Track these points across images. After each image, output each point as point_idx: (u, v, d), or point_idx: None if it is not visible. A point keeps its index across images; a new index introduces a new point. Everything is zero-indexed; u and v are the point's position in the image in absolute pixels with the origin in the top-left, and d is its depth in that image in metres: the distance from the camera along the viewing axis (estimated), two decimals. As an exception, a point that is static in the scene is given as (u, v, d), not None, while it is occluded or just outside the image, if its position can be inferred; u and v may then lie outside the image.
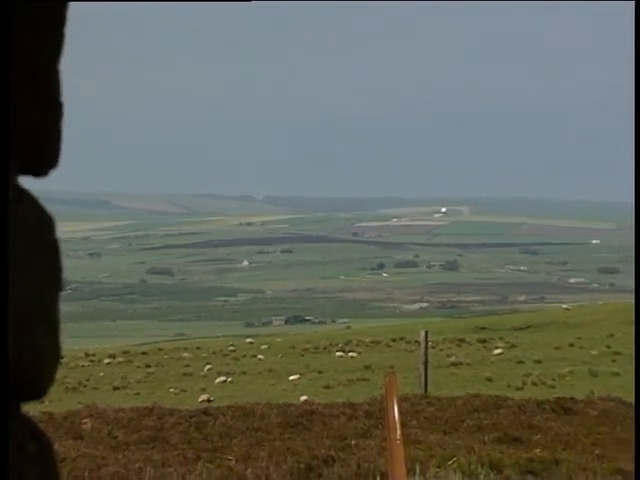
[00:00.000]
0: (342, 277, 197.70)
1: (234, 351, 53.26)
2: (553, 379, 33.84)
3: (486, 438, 17.44)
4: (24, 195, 3.04)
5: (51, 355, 3.10)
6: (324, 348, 52.62)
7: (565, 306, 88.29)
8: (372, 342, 54.44)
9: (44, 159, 3.09)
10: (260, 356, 49.57)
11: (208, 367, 44.34)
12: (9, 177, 2.70)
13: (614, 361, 40.60)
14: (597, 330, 53.68)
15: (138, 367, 46.04)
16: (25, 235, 2.96)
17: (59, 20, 3.08)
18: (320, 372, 40.20)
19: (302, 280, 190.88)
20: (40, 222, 3.07)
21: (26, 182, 3.04)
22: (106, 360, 49.88)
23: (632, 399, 22.89)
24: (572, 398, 22.97)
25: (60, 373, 3.46)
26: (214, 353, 51.95)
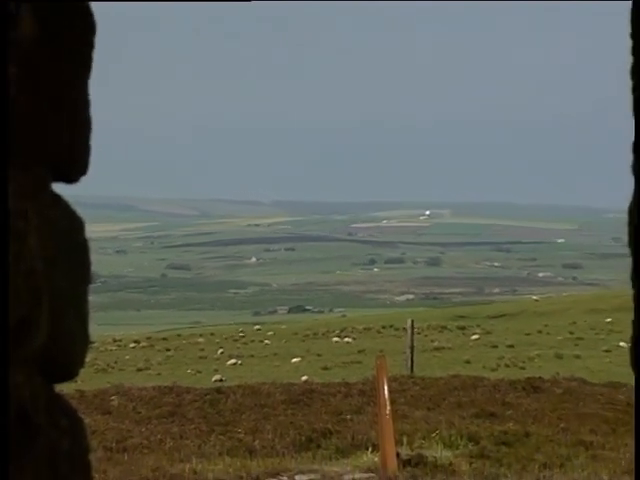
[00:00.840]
0: (338, 272, 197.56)
1: (243, 337, 53.24)
2: (523, 361, 33.84)
3: (465, 413, 17.43)
4: (58, 199, 3.04)
5: (81, 341, 3.10)
6: (322, 334, 52.60)
7: (534, 297, 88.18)
8: (365, 329, 54.42)
9: (75, 168, 3.08)
10: (266, 341, 49.53)
11: (220, 351, 44.34)
12: (9, 178, 2.70)
13: (577, 345, 40.65)
14: (562, 318, 53.69)
15: (159, 351, 46.02)
16: (58, 236, 2.95)
17: (88, 45, 3.08)
18: (319, 355, 40.21)
19: (303, 274, 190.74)
20: (72, 224, 3.06)
21: (59, 188, 3.04)
22: (131, 345, 49.83)
23: (592, 379, 22.91)
24: (540, 378, 22.98)
25: (90, 356, 3.47)
26: (226, 339, 51.92)
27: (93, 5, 3.10)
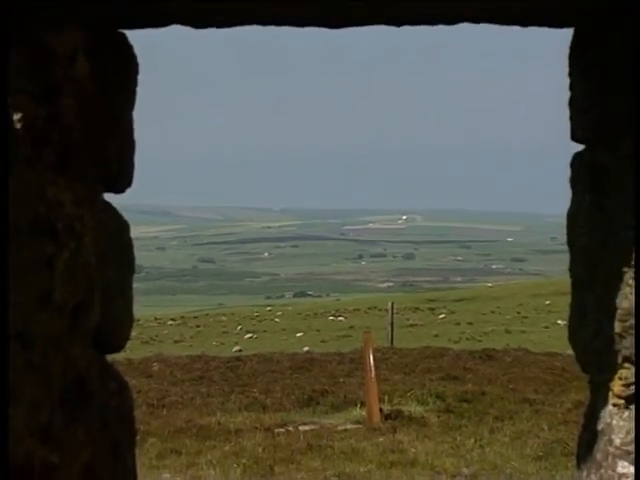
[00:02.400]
0: (333, 264, 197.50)
1: (258, 316, 53.26)
2: (480, 335, 33.81)
3: (434, 377, 17.39)
4: (108, 206, 3.01)
5: (127, 320, 3.07)
6: (321, 314, 52.62)
7: (489, 284, 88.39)
8: (354, 309, 54.45)
9: (122, 181, 3.05)
10: (276, 319, 49.59)
11: (239, 327, 44.30)
12: (67, 188, 2.68)
13: (522, 322, 40.70)
14: (510, 301, 53.71)
15: (191, 327, 46.02)
16: (108, 236, 2.92)
17: (132, 82, 3.05)
18: (318, 330, 40.20)
19: (305, 266, 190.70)
20: (119, 226, 3.03)
21: (109, 197, 3.01)
22: (169, 322, 49.82)
23: (535, 349, 22.87)
24: (493, 349, 22.95)
25: (136, 331, 3.46)
26: (244, 317, 51.89)
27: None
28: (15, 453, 2.39)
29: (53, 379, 2.55)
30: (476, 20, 2.99)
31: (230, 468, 10.67)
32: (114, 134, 2.96)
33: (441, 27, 3.03)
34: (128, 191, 3.09)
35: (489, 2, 2.88)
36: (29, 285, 2.43)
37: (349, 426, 13.36)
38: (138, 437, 3.30)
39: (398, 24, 3.01)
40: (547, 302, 48.27)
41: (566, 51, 3.17)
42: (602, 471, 2.98)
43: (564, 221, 3.25)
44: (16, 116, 2.37)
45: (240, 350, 29.02)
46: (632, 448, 2.90)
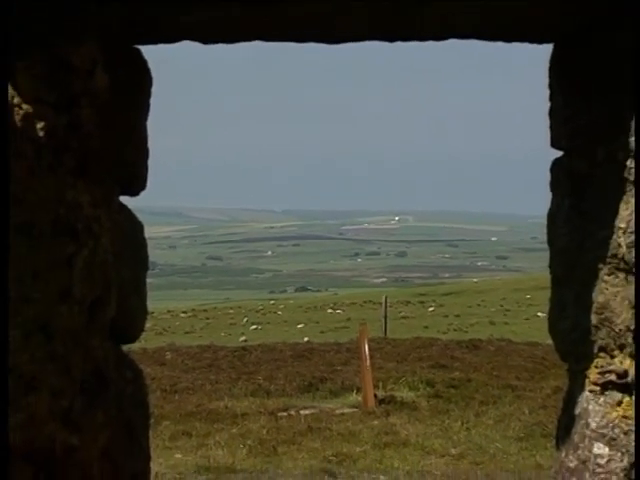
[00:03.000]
0: (332, 262, 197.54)
1: (262, 309, 53.25)
2: (466, 327, 33.80)
3: (424, 365, 17.37)
4: (123, 208, 3.00)
5: (141, 314, 3.06)
6: (320, 307, 52.62)
7: (474, 280, 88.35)
8: (351, 303, 54.45)
9: (136, 184, 3.05)
10: (279, 312, 49.58)
11: (245, 319, 44.26)
12: (86, 190, 2.67)
13: (505, 315, 40.70)
14: (494, 295, 53.70)
15: (200, 319, 45.99)
16: (123, 235, 2.91)
17: (146, 94, 3.04)
18: (317, 322, 40.16)
19: (305, 263, 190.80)
20: (134, 226, 3.02)
21: (125, 200, 3.00)
22: (180, 315, 49.80)
23: (517, 339, 22.87)
24: (479, 339, 22.93)
25: (150, 323, 3.45)
26: (249, 310, 51.87)
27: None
28: (38, 436, 2.38)
29: (73, 368, 2.54)
30: (463, 36, 2.98)
31: (237, 449, 10.67)
32: (129, 141, 2.95)
33: (436, 43, 3.03)
34: (142, 194, 3.08)
35: (474, 19, 2.87)
36: (50, 282, 2.42)
37: (346, 410, 13.36)
38: (152, 420, 3.28)
39: (391, 40, 3.01)
40: (528, 296, 48.28)
41: (547, 65, 3.17)
42: (579, 452, 2.97)
43: (544, 222, 3.24)
44: (39, 125, 2.36)
45: (246, 340, 29.01)
46: (607, 431, 2.90)
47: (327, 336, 29.21)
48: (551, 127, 3.17)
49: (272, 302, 63.32)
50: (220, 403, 13.77)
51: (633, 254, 2.78)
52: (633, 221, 2.77)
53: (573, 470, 3.00)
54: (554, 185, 3.17)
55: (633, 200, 2.76)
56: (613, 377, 2.90)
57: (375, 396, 13.62)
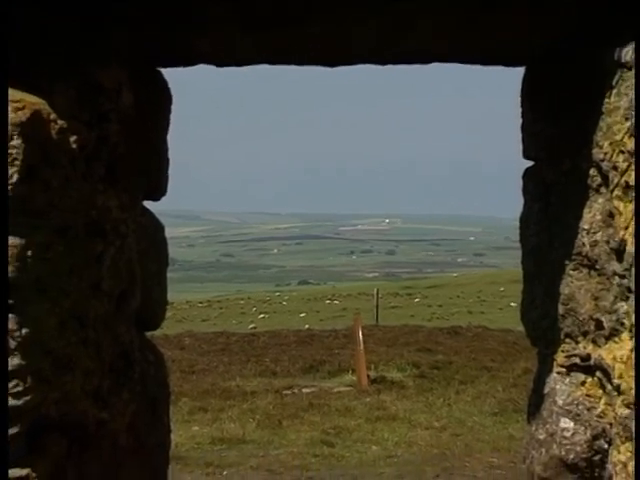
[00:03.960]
0: (330, 258, 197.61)
1: (269, 299, 53.24)
2: (448, 315, 33.77)
3: (411, 349, 17.35)
4: (146, 211, 2.99)
5: (162, 304, 3.05)
6: (319, 298, 52.60)
7: (455, 274, 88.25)
8: (347, 295, 54.43)
9: (158, 190, 3.03)
10: (284, 302, 49.57)
11: (254, 309, 44.24)
12: (114, 196, 2.66)
13: (482, 305, 40.67)
14: (472, 288, 53.68)
15: (215, 309, 45.95)
16: (146, 235, 2.90)
17: (166, 110, 3.03)
18: (317, 311, 40.14)
19: (307, 260, 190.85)
20: (156, 227, 3.01)
21: (148, 204, 2.98)
22: (197, 305, 49.80)
23: (492, 327, 22.86)
24: (459, 326, 22.90)
25: (170, 312, 3.44)
26: (258, 301, 51.86)
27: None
28: (72, 412, 2.37)
29: (103, 352, 2.53)
30: (446, 61, 2.97)
31: (247, 422, 10.65)
32: (152, 153, 2.94)
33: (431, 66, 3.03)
34: (163, 199, 3.07)
35: (457, 44, 2.86)
36: (83, 277, 2.41)
37: (342, 389, 13.33)
38: (172, 397, 3.27)
39: (383, 63, 3.00)
40: (502, 289, 48.25)
41: (519, 85, 3.16)
42: (547, 426, 2.96)
43: (517, 224, 3.23)
44: (72, 138, 2.34)
45: (255, 327, 28.97)
46: (572, 408, 2.88)
47: (326, 324, 29.20)
48: (523, 140, 3.16)
49: (277, 294, 63.33)
50: (232, 382, 13.75)
51: (595, 252, 2.77)
52: (595, 223, 2.76)
53: (542, 442, 2.99)
54: (525, 191, 3.17)
55: (595, 204, 2.75)
56: (577, 360, 2.89)
57: (368, 376, 13.60)
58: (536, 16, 2.62)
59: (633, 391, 2.58)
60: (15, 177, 2.17)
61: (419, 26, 2.67)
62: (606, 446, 2.82)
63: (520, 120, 3.16)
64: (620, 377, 2.66)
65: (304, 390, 13.15)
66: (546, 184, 3.03)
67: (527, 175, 3.16)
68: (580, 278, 2.83)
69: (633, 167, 2.55)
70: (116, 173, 2.59)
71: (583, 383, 2.88)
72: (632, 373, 2.59)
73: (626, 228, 2.59)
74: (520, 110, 3.15)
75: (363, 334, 14.41)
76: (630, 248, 2.57)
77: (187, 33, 2.68)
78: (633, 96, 2.54)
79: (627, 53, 2.56)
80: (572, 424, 2.87)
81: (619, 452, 2.69)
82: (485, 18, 2.61)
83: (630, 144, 2.56)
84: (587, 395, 2.87)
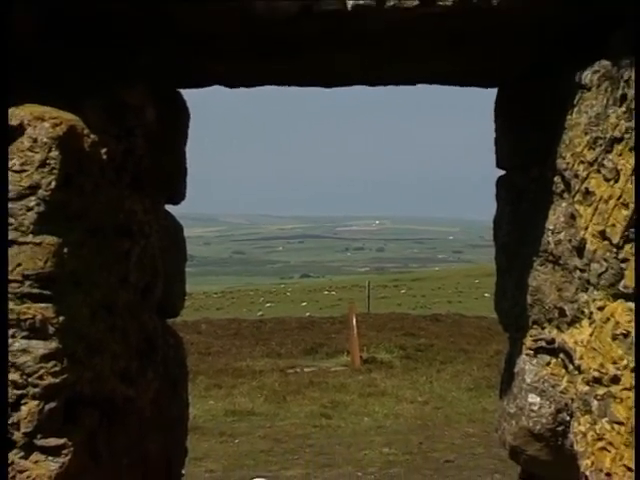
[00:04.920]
0: (328, 255, 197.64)
1: (275, 291, 53.25)
2: (430, 305, 33.78)
3: (397, 333, 17.34)
4: (168, 214, 2.97)
5: (181, 295, 3.03)
6: (319, 289, 52.62)
7: (436, 269, 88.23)
8: (342, 287, 54.42)
9: (177, 195, 3.02)
10: (287, 293, 49.57)
11: (262, 298, 44.25)
12: (140, 200, 2.65)
13: (459, 295, 40.68)
14: (451, 281, 53.69)
15: (228, 299, 45.94)
16: (168, 235, 2.88)
17: (184, 124, 3.02)
18: (317, 301, 40.16)
19: (308, 256, 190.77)
20: (176, 228, 3.00)
21: (169, 208, 2.97)
22: (213, 295, 49.78)
23: (468, 314, 22.86)
24: (439, 314, 22.91)
25: (189, 302, 3.43)
26: (265, 292, 51.84)
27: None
28: (102, 389, 2.35)
29: (129, 337, 2.52)
30: (429, 82, 2.96)
31: (255, 397, 10.65)
32: (172, 163, 2.93)
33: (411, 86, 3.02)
34: (183, 203, 3.06)
35: (439, 68, 2.85)
36: (112, 271, 2.40)
37: (338, 368, 13.34)
38: (190, 376, 3.26)
39: (374, 84, 2.99)
40: (477, 281, 48.27)
41: (492, 105, 3.15)
42: (517, 401, 2.95)
43: (491, 225, 3.22)
44: (102, 150, 2.33)
45: (262, 315, 28.97)
46: (538, 385, 2.87)
47: (324, 312, 29.21)
48: (496, 152, 3.15)
49: (282, 286, 63.36)
50: (242, 363, 13.75)
51: (559, 249, 2.76)
52: (559, 224, 2.75)
53: (512, 414, 2.98)
54: (498, 196, 3.16)
55: (559, 208, 2.74)
56: (543, 344, 2.88)
57: (360, 357, 13.60)
58: (505, 48, 2.62)
59: (592, 370, 2.57)
60: (53, 184, 2.15)
61: (399, 56, 2.68)
62: (568, 418, 2.81)
63: (494, 135, 3.15)
64: (580, 358, 2.65)
65: (305, 369, 13.16)
66: (516, 190, 3.02)
67: (500, 182, 3.16)
68: (546, 272, 2.82)
69: (592, 175, 2.55)
70: (141, 181, 2.57)
71: (548, 363, 2.87)
72: (591, 355, 2.58)
73: (586, 228, 2.58)
74: (494, 126, 3.15)
75: (356, 321, 14.41)
76: (589, 246, 2.56)
77: (204, 60, 2.69)
78: (592, 113, 2.54)
79: (586, 76, 2.55)
80: (538, 399, 2.86)
81: (579, 424, 2.68)
82: (457, 50, 2.61)
83: (589, 155, 2.55)
84: (552, 374, 2.86)
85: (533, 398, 2.87)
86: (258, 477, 6.95)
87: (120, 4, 2.29)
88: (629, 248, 2.38)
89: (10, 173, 2.12)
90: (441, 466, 7.32)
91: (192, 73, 2.82)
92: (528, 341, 2.93)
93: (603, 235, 2.49)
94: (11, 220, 2.11)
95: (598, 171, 2.51)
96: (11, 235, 2.12)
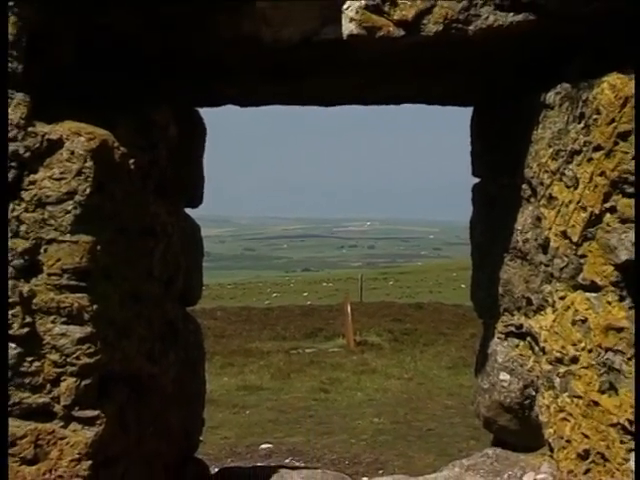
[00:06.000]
0: (326, 252, 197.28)
1: (280, 283, 53.14)
2: (414, 294, 33.74)
3: (386, 319, 17.35)
4: (187, 216, 2.96)
5: (199, 287, 3.02)
6: (318, 281, 52.54)
7: (419, 263, 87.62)
8: (339, 279, 54.30)
9: (196, 200, 3.01)
10: (291, 285, 49.47)
11: (269, 289, 44.17)
12: (162, 204, 2.64)
13: (439, 286, 40.62)
14: (431, 274, 53.63)
15: (240, 289, 45.79)
16: (187, 234, 2.87)
17: (202, 139, 3.01)
18: (316, 292, 40.06)
19: (309, 253, 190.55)
20: (193, 228, 2.98)
21: (188, 211, 2.96)
22: (227, 286, 49.70)
23: (446, 302, 22.83)
24: (422, 302, 22.91)
25: (206, 292, 3.41)
26: (272, 284, 51.76)
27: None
28: (130, 368, 2.34)
29: (154, 323, 2.50)
30: (413, 102, 2.95)
31: (263, 374, 10.64)
32: (191, 172, 2.91)
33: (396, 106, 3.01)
34: (200, 206, 3.05)
35: (422, 91, 2.84)
36: (139, 266, 2.39)
37: (335, 349, 13.33)
38: (207, 356, 3.25)
39: (366, 104, 2.98)
40: (454, 274, 48.15)
41: (468, 121, 3.15)
42: (490, 378, 2.94)
43: (467, 225, 3.21)
44: (131, 161, 2.32)
45: (269, 303, 28.92)
46: (508, 364, 2.86)
47: (323, 300, 29.16)
48: (472, 162, 3.14)
49: (286, 278, 63.26)
50: (252, 344, 13.73)
51: (526, 246, 2.75)
52: (526, 225, 2.74)
53: (486, 390, 2.97)
54: (474, 201, 3.15)
55: (526, 211, 2.74)
56: (513, 328, 2.87)
57: (354, 340, 13.60)
58: (480, 72, 2.62)
59: (554, 351, 2.56)
60: (88, 190, 2.14)
61: (388, 79, 2.67)
62: (534, 393, 2.80)
63: (470, 147, 3.14)
64: (545, 341, 2.64)
65: (306, 350, 13.14)
66: (489, 196, 3.01)
67: (475, 189, 3.15)
68: (515, 267, 2.82)
69: (555, 183, 2.54)
70: (164, 187, 2.56)
71: (517, 346, 2.87)
72: (554, 338, 2.58)
73: (549, 229, 2.57)
74: (470, 140, 3.14)
75: (350, 308, 14.41)
76: (552, 244, 2.55)
77: (218, 83, 2.69)
78: (555, 129, 2.53)
79: (549, 97, 2.55)
80: (508, 376, 2.85)
81: (543, 397, 2.68)
82: (439, 74, 2.60)
83: (552, 165, 2.54)
84: (520, 355, 2.85)
85: (504, 376, 2.86)
86: (266, 443, 6.94)
87: (148, 35, 2.28)
88: (587, 246, 2.37)
89: (50, 181, 2.12)
90: (424, 434, 7.31)
91: (208, 94, 2.81)
92: (499, 326, 2.92)
93: (564, 235, 2.48)
94: (51, 221, 2.11)
95: (560, 179, 2.50)
96: (51, 234, 2.11)
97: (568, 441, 2.51)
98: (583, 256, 2.39)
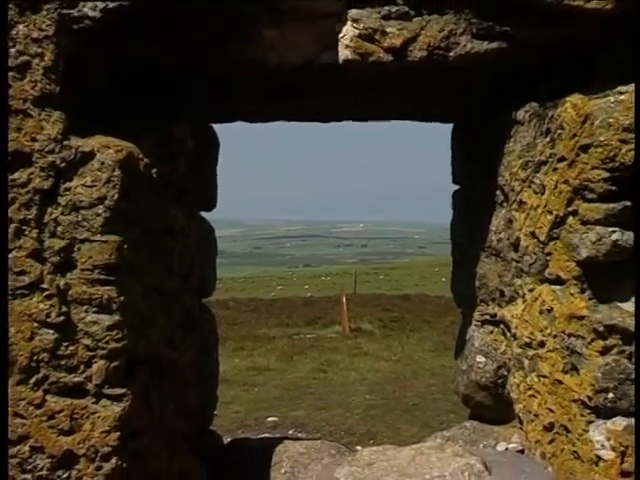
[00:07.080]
0: (325, 250, 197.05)
1: (284, 277, 53.00)
2: (402, 287, 33.70)
3: (377, 309, 17.33)
4: (203, 219, 2.95)
5: (213, 280, 3.01)
6: (318, 276, 52.42)
7: (406, 260, 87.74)
8: (336, 274, 54.23)
9: (210, 204, 3.00)
10: (294, 278, 49.36)
11: (274, 283, 44.08)
12: (179, 208, 2.64)
13: (423, 280, 40.54)
14: (416, 270, 53.60)
15: (249, 283, 45.70)
16: (202, 235, 2.87)
17: (216, 150, 3.00)
18: (316, 285, 39.95)
19: (310, 251, 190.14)
20: (208, 229, 2.97)
21: (203, 214, 2.95)
22: (238, 280, 49.57)
23: (430, 294, 22.78)
24: (409, 294, 22.88)
25: (219, 285, 3.41)
26: (277, 278, 51.63)
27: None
28: (153, 352, 2.34)
29: (173, 312, 2.50)
30: (402, 118, 2.95)
31: (270, 357, 10.63)
32: (206, 179, 2.91)
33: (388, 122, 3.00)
34: (214, 210, 3.04)
35: (408, 108, 2.83)
36: (160, 263, 2.38)
37: (332, 335, 13.33)
38: (220, 341, 3.24)
39: (361, 120, 2.98)
40: (436, 269, 48.08)
41: (449, 136, 3.14)
42: (468, 360, 2.94)
43: (448, 227, 3.21)
44: (153, 170, 2.31)
45: (275, 295, 28.88)
46: (484, 348, 2.86)
47: (322, 292, 29.10)
48: (452, 172, 3.14)
49: (290, 273, 63.15)
50: (260, 331, 13.72)
51: (500, 245, 2.75)
52: (500, 226, 2.74)
53: (464, 371, 2.97)
54: (454, 205, 3.15)
55: (499, 214, 2.74)
56: (488, 317, 2.87)
57: (349, 327, 13.59)
58: (460, 93, 2.62)
59: (524, 337, 2.56)
60: (116, 196, 2.14)
61: (379, 98, 2.67)
62: (506, 373, 2.80)
63: (450, 158, 3.14)
64: (516, 328, 2.64)
65: (307, 336, 13.14)
66: (467, 201, 3.01)
67: (455, 195, 3.15)
68: (490, 263, 2.82)
69: (524, 189, 2.54)
70: (182, 193, 2.56)
71: (491, 332, 2.87)
72: (524, 325, 2.58)
73: (520, 230, 2.58)
74: (451, 151, 3.14)
75: (346, 299, 14.40)
76: (522, 243, 2.55)
77: (232, 103, 2.69)
78: (524, 142, 2.54)
79: (520, 114, 2.55)
80: (484, 359, 2.86)
81: (514, 377, 2.68)
82: (425, 94, 2.60)
83: (522, 174, 2.55)
84: (494, 340, 2.85)
85: (480, 358, 2.86)
86: (272, 416, 6.94)
87: (165, 59, 2.28)
88: (552, 244, 2.38)
89: (83, 188, 2.12)
90: (410, 408, 7.31)
91: (221, 111, 2.81)
92: (476, 315, 2.92)
93: (533, 235, 2.48)
94: (84, 223, 2.11)
95: (529, 186, 2.51)
96: (84, 235, 2.11)
97: (535, 415, 2.51)
98: (549, 254, 2.40)
